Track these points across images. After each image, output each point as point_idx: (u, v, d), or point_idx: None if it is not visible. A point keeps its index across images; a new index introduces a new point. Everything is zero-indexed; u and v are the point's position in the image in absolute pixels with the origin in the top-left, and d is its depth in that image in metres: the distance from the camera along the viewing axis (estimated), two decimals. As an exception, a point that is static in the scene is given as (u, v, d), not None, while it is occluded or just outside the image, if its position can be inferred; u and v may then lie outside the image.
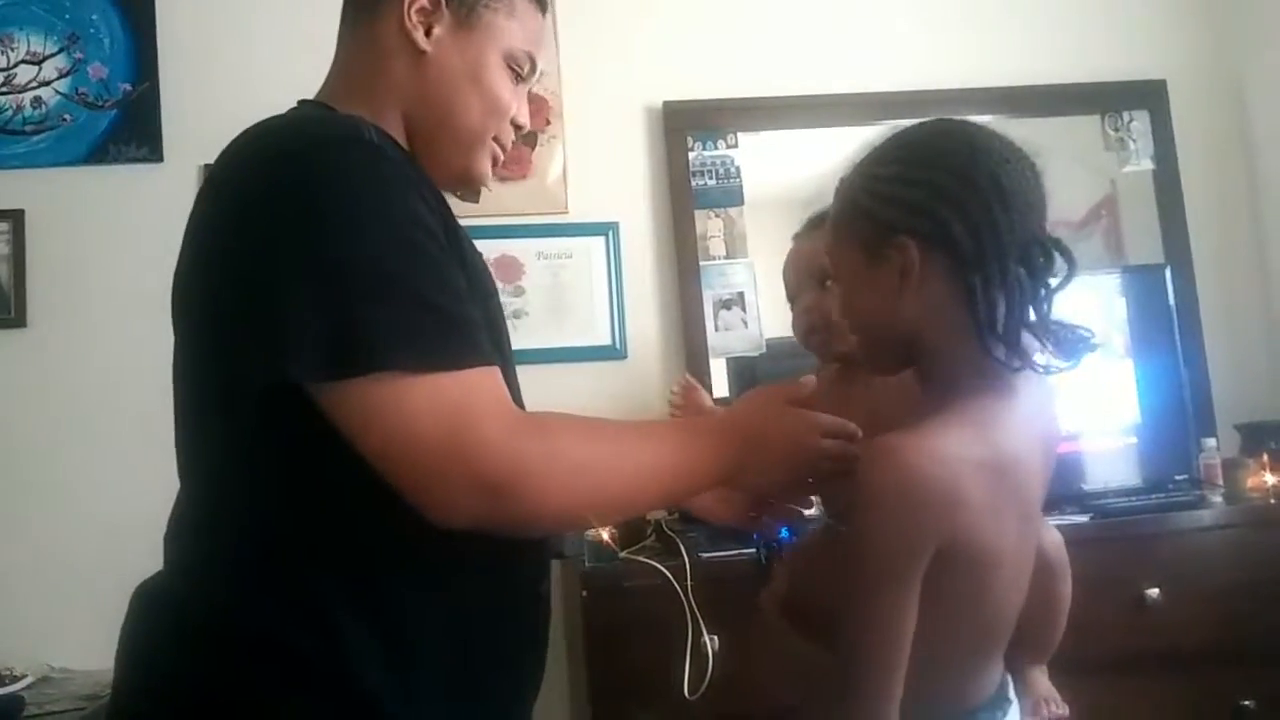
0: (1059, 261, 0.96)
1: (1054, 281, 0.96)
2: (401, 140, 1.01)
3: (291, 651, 0.86)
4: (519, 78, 1.06)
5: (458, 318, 0.86)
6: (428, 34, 1.01)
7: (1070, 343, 0.96)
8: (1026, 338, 0.95)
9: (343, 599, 0.87)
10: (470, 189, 1.08)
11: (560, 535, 1.97)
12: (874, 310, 1.01)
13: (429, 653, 0.90)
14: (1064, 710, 1.20)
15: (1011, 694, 1.07)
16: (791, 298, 1.46)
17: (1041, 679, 1.21)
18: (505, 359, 0.99)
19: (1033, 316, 0.95)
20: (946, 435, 0.92)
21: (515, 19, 1.05)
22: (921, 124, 1.03)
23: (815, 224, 1.46)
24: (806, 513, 1.12)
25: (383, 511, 0.86)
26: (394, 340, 0.82)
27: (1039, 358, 0.96)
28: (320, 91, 1.06)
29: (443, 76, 1.02)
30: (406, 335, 0.82)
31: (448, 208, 0.97)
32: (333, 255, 0.83)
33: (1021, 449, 0.97)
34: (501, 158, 1.08)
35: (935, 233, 0.94)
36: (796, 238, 1.51)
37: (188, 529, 0.94)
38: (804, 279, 1.41)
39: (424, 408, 0.82)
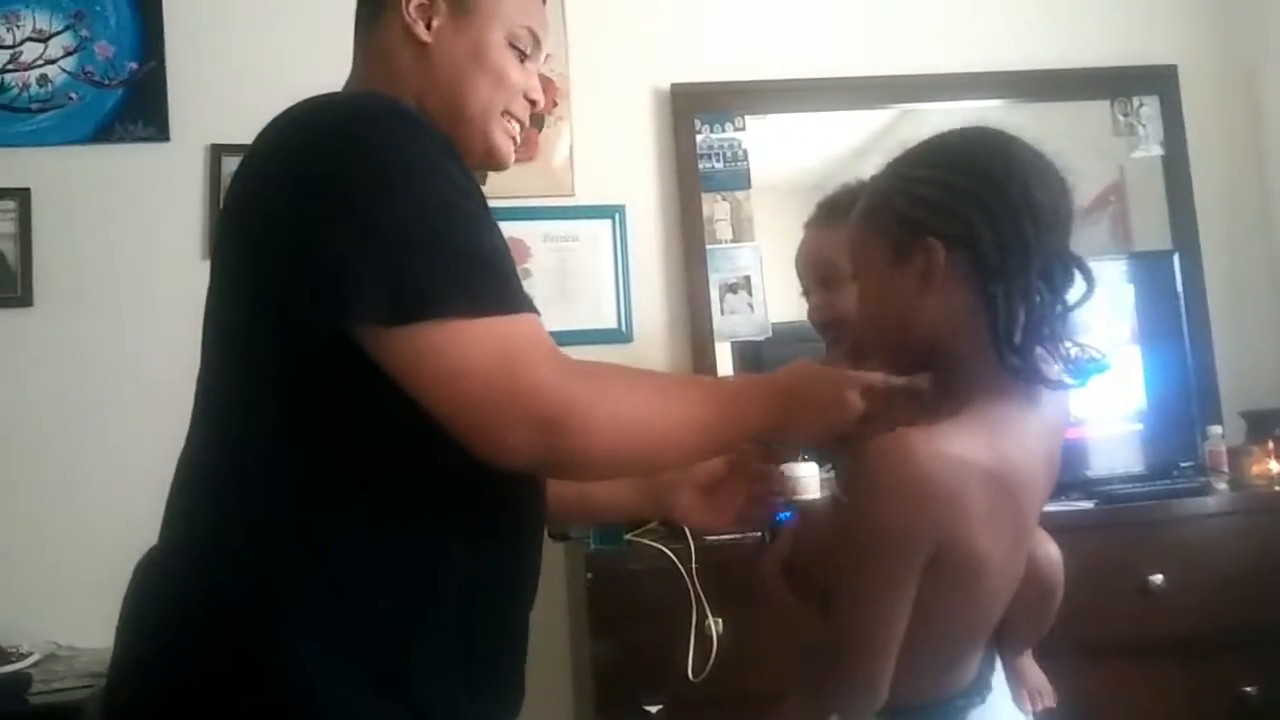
0: (1079, 279, 0.97)
1: (1071, 299, 0.97)
2: None
3: (305, 612, 0.88)
4: (524, 56, 1.09)
5: (504, 269, 0.91)
6: (428, 27, 1.04)
7: (1081, 362, 0.97)
8: (1040, 352, 0.97)
9: (359, 559, 0.89)
10: (492, 168, 1.11)
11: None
12: (893, 309, 1.02)
13: (443, 618, 0.92)
14: (1053, 703, 1.21)
15: (992, 682, 1.08)
16: (805, 291, 1.48)
17: (1034, 671, 1.21)
18: None
19: (1048, 332, 0.96)
20: (957, 439, 0.93)
21: None
22: (961, 130, 1.03)
23: (826, 211, 1.46)
24: (807, 496, 1.14)
25: (407, 475, 0.90)
26: (450, 288, 0.86)
27: (1051, 373, 0.97)
28: (345, 88, 1.09)
29: (448, 64, 1.05)
30: (460, 284, 0.86)
31: (477, 184, 1.00)
32: (386, 211, 0.87)
33: (1027, 462, 0.98)
34: (518, 136, 1.11)
35: (963, 238, 0.95)
36: (807, 225, 1.51)
37: (199, 488, 0.96)
38: (812, 278, 1.44)
39: (480, 350, 0.85)
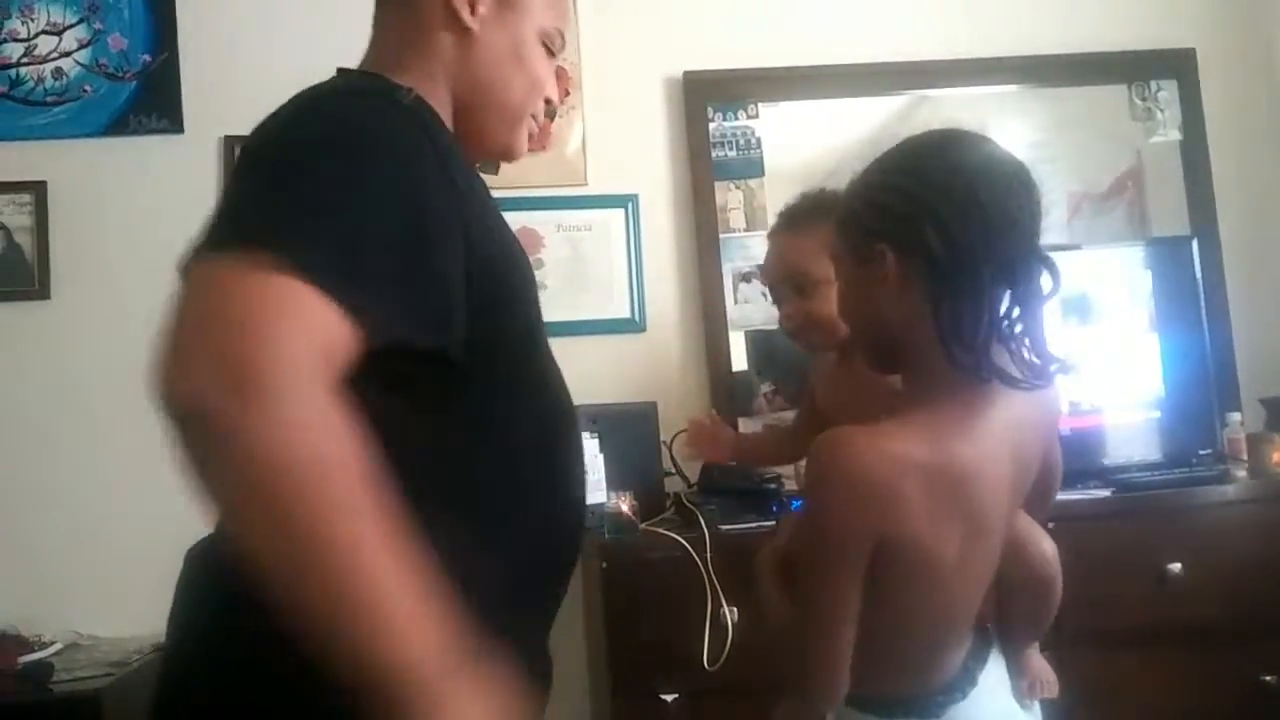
0: (1045, 278, 0.98)
1: (1035, 297, 0.98)
2: (445, 113, 1.03)
3: None
4: (550, 54, 1.09)
5: (361, 262, 0.78)
6: (473, 12, 1.03)
7: (1042, 361, 0.98)
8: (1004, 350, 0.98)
9: None
10: (507, 161, 1.12)
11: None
12: (861, 311, 1.06)
13: (478, 600, 0.90)
14: (1054, 693, 1.22)
15: (980, 677, 1.09)
16: (775, 300, 1.50)
17: (1036, 660, 1.22)
18: (537, 331, 1.02)
19: (1006, 332, 0.97)
20: (899, 436, 0.96)
21: None
22: (925, 134, 1.05)
23: (788, 219, 1.49)
24: None
25: (433, 454, 0.87)
26: (272, 222, 0.78)
27: (1013, 371, 0.98)
28: (366, 61, 1.07)
29: (489, 54, 1.04)
30: (290, 228, 0.77)
31: (478, 179, 0.99)
32: (290, 200, 0.81)
33: (981, 458, 0.99)
34: (536, 133, 1.12)
35: (912, 242, 0.98)
36: (770, 235, 1.53)
37: None
38: (780, 284, 1.45)
39: (246, 291, 0.73)
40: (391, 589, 0.72)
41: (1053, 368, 0.98)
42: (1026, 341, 0.98)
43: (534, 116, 1.10)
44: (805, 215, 1.45)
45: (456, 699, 0.73)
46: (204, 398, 0.70)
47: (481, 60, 1.04)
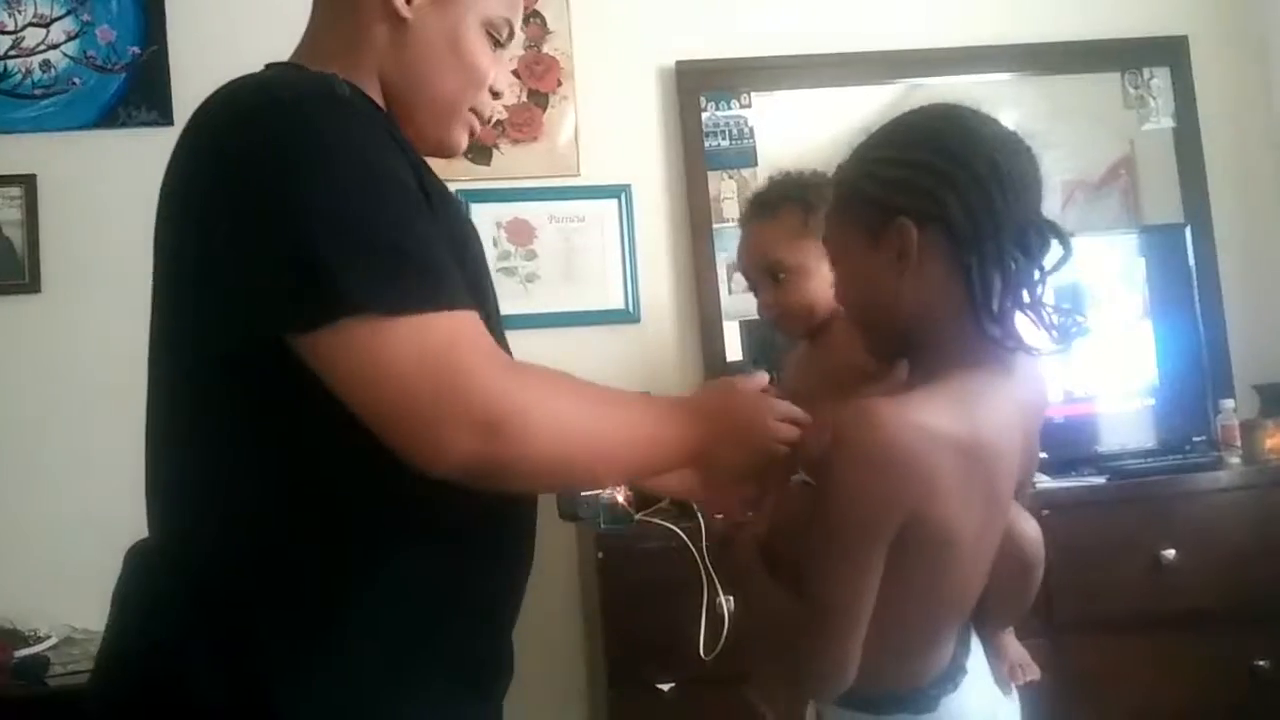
0: (1054, 244, 0.97)
1: (1049, 264, 0.97)
2: (379, 103, 1.00)
3: (283, 619, 0.86)
4: (497, 44, 1.05)
5: (433, 263, 0.85)
6: (408, 1, 0.99)
7: (1063, 326, 0.98)
8: (1020, 319, 0.97)
9: (327, 563, 0.87)
10: (443, 157, 1.06)
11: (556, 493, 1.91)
12: (874, 294, 1.02)
13: (420, 611, 0.90)
14: (1036, 675, 1.21)
15: (968, 665, 1.07)
16: (751, 287, 1.50)
17: (1014, 645, 1.21)
18: (490, 317, 0.98)
19: (1027, 298, 0.97)
20: (926, 409, 0.93)
21: None
22: (918, 109, 1.04)
23: (758, 206, 1.49)
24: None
25: (362, 472, 0.85)
26: (367, 284, 0.80)
27: (1031, 340, 0.97)
28: (294, 55, 1.05)
29: (423, 45, 1.00)
30: (380, 278, 0.81)
31: (424, 165, 0.96)
32: (299, 207, 0.82)
33: (1001, 435, 0.98)
34: (478, 129, 1.07)
35: (932, 213, 0.96)
36: (742, 222, 1.53)
37: (173, 489, 0.94)
38: (757, 273, 1.46)
39: (408, 349, 0.80)
40: (666, 431, 0.96)
41: (1071, 330, 0.98)
42: (1047, 306, 0.97)
43: (476, 111, 1.05)
44: (776, 201, 1.45)
45: (721, 445, 0.98)
46: (478, 457, 0.80)
47: (415, 50, 1.00)
